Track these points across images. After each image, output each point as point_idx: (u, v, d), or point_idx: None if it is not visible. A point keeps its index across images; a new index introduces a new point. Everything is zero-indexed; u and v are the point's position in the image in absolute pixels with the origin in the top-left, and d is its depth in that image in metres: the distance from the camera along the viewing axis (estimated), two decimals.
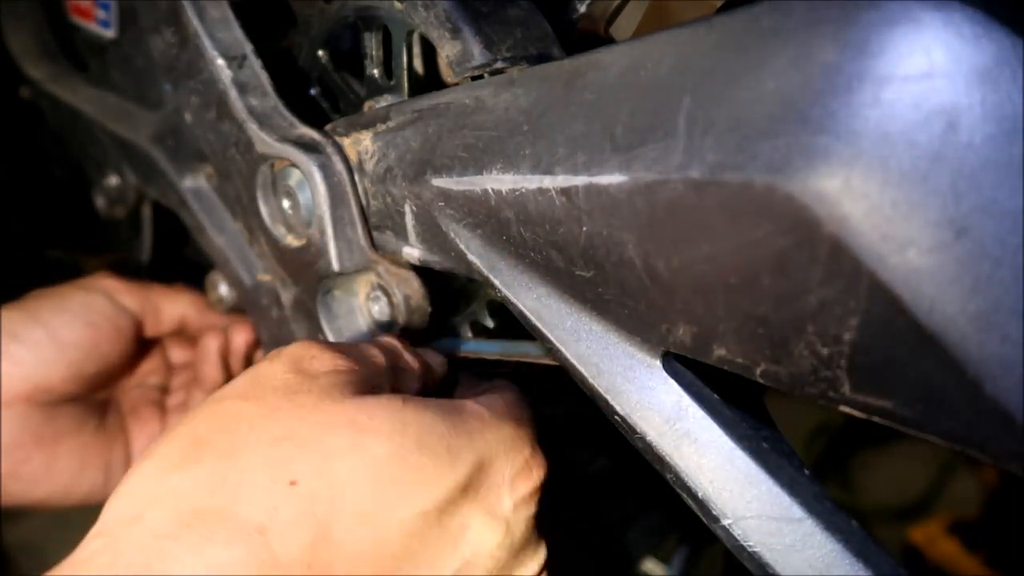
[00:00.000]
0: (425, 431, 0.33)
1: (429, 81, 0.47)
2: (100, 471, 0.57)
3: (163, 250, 0.71)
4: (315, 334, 0.50)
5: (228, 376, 0.63)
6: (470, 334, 0.50)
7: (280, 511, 0.29)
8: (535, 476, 0.37)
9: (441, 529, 0.33)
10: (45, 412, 0.54)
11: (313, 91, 0.53)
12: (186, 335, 0.64)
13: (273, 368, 0.35)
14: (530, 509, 0.37)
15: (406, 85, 0.45)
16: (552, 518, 0.39)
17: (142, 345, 0.61)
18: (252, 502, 0.29)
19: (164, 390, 0.64)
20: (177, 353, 0.65)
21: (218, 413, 0.33)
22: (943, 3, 0.23)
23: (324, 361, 0.36)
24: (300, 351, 0.36)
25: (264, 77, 0.49)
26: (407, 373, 0.40)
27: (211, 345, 0.63)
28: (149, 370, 0.64)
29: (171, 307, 0.61)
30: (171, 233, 0.68)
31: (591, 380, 0.35)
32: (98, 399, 0.60)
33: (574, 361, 0.35)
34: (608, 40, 0.44)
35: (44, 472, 0.55)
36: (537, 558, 0.37)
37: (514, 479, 0.36)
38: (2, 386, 0.52)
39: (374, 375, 0.38)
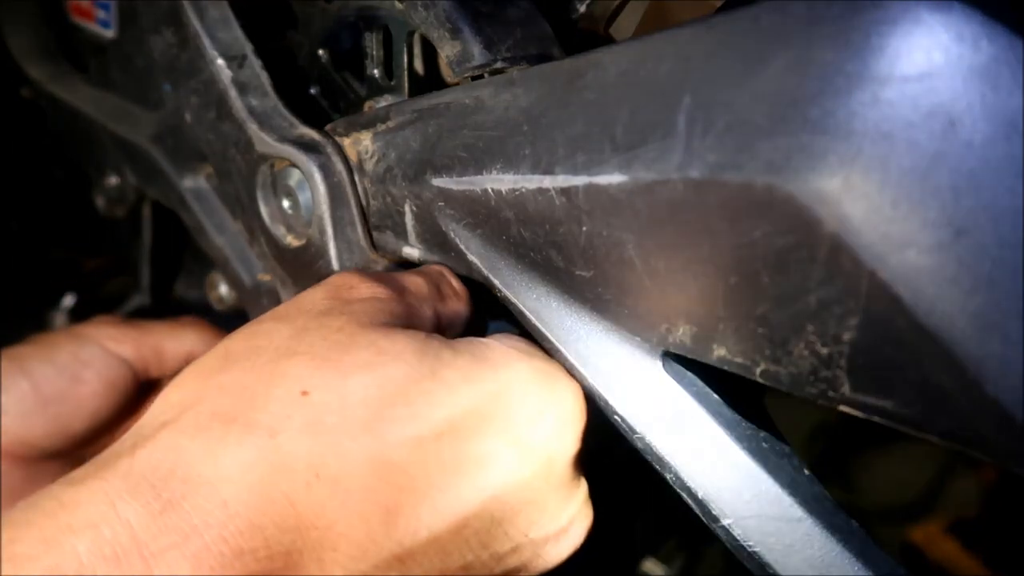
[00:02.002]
0: (444, 362, 0.33)
1: (429, 81, 0.47)
2: None
3: (163, 251, 0.71)
4: None
5: None
6: None
7: (292, 419, 0.30)
8: (576, 407, 0.35)
9: (458, 454, 0.32)
10: (25, 469, 0.51)
11: (313, 91, 0.53)
12: None
13: (313, 294, 0.36)
14: (575, 445, 0.35)
15: (406, 85, 0.45)
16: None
17: (146, 389, 0.57)
18: (266, 409, 0.31)
19: None
20: None
21: (254, 331, 0.34)
22: (943, 3, 0.23)
23: (362, 290, 0.36)
24: (342, 279, 0.37)
25: (264, 77, 0.49)
26: (451, 299, 0.40)
27: None
28: None
29: (175, 345, 0.56)
30: (171, 233, 0.68)
31: (591, 380, 0.35)
32: (89, 456, 0.57)
33: (574, 361, 0.35)
34: (608, 40, 0.44)
35: None
36: (576, 497, 0.36)
37: (556, 411, 0.35)
38: None
39: (416, 302, 0.37)
